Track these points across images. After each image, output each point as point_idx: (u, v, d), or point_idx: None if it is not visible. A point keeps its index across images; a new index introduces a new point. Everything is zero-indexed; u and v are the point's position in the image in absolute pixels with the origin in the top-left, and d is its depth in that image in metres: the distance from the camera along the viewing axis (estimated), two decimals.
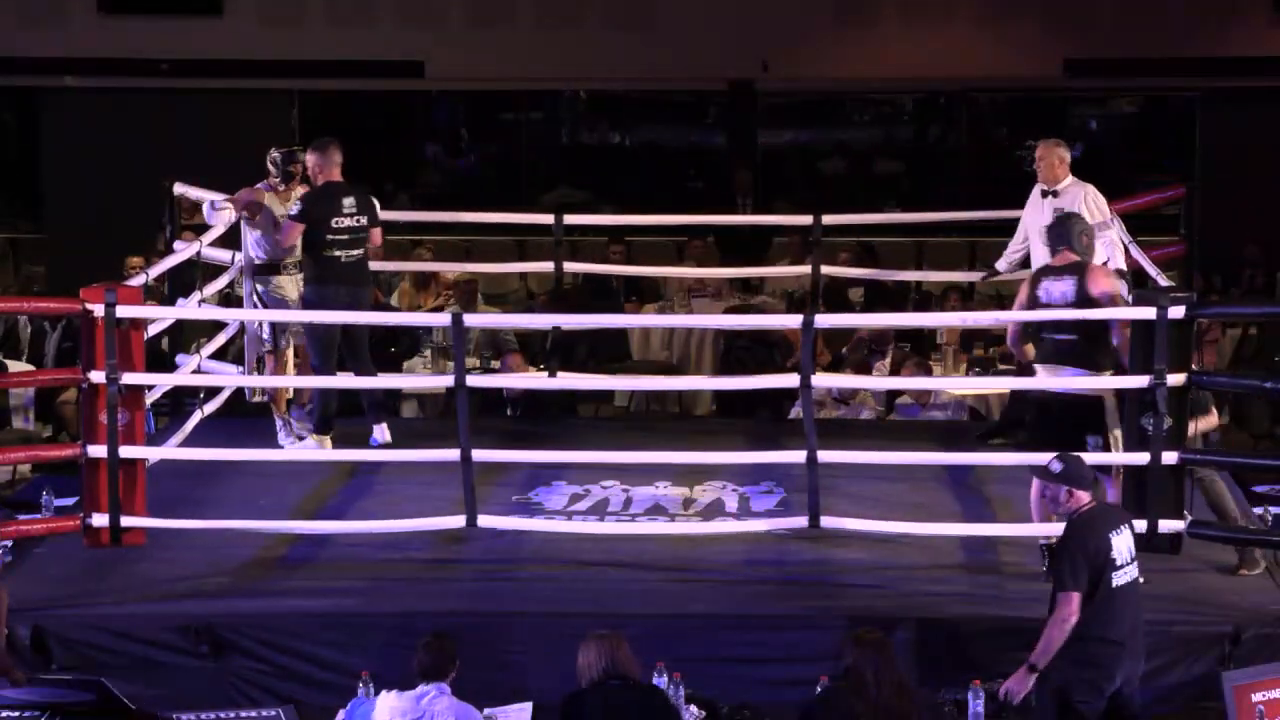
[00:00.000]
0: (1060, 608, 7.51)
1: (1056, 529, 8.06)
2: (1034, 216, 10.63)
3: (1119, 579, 7.57)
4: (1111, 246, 10.35)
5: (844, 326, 13.33)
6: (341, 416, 11.33)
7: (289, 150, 11.12)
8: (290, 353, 11.33)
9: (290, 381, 11.06)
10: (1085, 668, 7.54)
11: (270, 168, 11.11)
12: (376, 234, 11.05)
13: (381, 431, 10.93)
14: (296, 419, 11.18)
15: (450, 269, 14.83)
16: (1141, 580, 7.81)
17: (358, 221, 10.80)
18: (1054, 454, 7.93)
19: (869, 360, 13.34)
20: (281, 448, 10.88)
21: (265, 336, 11.22)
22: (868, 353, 13.44)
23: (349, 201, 10.78)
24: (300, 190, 10.99)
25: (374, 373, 11.10)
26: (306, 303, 10.81)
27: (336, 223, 10.73)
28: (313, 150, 10.88)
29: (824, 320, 9.90)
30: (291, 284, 11.05)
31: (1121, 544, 7.60)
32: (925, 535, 9.39)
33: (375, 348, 13.34)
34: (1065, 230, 9.14)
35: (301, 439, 10.98)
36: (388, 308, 14.27)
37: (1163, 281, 9.90)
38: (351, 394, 11.26)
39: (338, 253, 10.75)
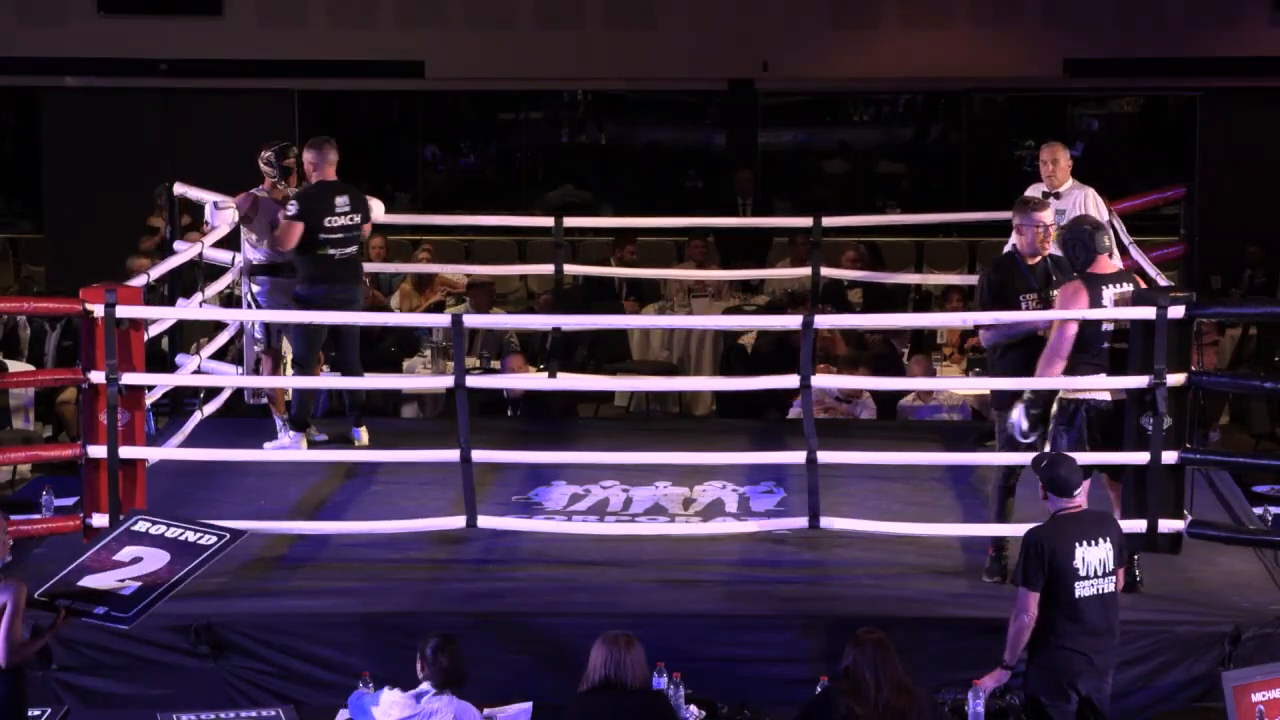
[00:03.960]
0: (1015, 603, 7.60)
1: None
2: None
3: (1083, 590, 7.54)
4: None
5: (844, 327, 13.32)
6: (338, 415, 11.34)
7: (280, 146, 11.07)
8: (287, 352, 11.32)
9: (290, 382, 11.05)
10: (1049, 670, 7.59)
11: (265, 168, 11.03)
12: (368, 229, 11.09)
13: (360, 434, 10.98)
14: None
15: (450, 270, 14.84)
16: (1120, 591, 7.73)
17: (351, 220, 10.82)
18: (1050, 453, 7.96)
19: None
20: (283, 447, 10.88)
21: (258, 335, 11.21)
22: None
23: (342, 200, 10.80)
24: (294, 189, 10.95)
25: (361, 374, 11.14)
26: (298, 300, 10.80)
27: (329, 222, 10.74)
28: (309, 148, 10.89)
29: (824, 320, 9.89)
30: (288, 285, 11.03)
31: (1092, 555, 7.56)
32: (925, 535, 9.39)
33: (375, 345, 13.39)
34: (1098, 240, 8.68)
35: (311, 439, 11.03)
36: (386, 308, 14.28)
37: (1163, 281, 9.88)
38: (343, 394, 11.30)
39: (332, 251, 10.76)
